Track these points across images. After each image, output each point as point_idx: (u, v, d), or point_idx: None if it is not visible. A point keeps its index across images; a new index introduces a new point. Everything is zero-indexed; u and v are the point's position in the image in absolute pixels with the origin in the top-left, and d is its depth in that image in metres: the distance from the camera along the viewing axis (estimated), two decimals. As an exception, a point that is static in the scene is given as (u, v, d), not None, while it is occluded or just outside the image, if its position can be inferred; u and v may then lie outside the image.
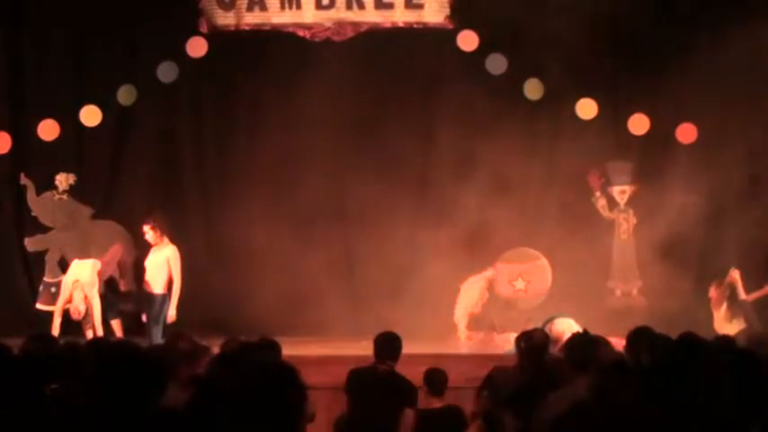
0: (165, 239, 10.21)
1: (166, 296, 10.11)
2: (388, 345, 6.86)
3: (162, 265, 10.15)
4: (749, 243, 11.51)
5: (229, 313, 10.92)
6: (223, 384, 4.31)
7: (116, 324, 10.55)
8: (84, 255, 10.72)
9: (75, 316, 10.13)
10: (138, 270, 10.64)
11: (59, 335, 9.25)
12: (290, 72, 11.80)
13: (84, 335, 9.94)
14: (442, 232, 11.74)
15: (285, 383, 3.98)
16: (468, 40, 11.70)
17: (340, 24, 11.94)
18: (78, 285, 10.15)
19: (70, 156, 11.93)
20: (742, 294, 10.32)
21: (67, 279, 10.31)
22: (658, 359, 5.09)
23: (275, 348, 6.10)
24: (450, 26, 11.85)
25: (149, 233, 10.20)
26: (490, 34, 11.66)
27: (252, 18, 11.97)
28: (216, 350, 6.05)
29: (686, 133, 11.63)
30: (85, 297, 10.11)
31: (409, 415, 6.53)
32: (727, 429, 4.35)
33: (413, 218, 11.81)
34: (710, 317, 10.43)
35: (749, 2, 11.47)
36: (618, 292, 11.32)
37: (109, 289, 10.70)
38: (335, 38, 11.95)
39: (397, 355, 6.85)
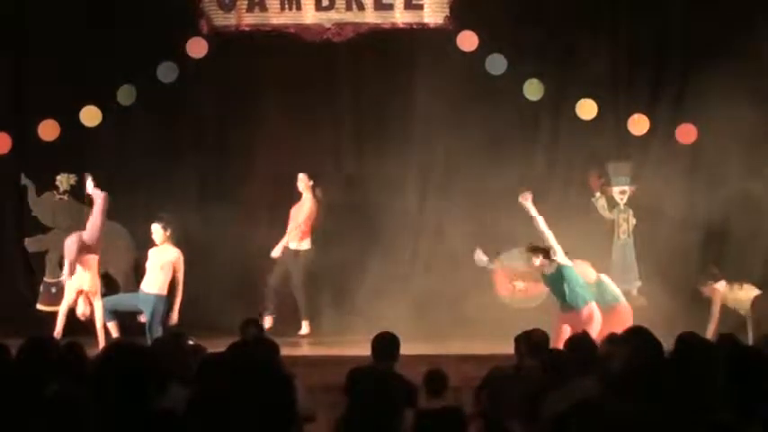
0: (170, 242, 10.20)
1: (166, 298, 10.11)
2: (387, 345, 6.86)
3: (164, 266, 10.13)
4: (749, 243, 11.51)
5: (229, 313, 10.90)
6: (221, 384, 4.31)
7: (113, 325, 10.53)
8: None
9: (83, 318, 10.15)
10: (138, 271, 10.61)
11: (63, 337, 9.23)
12: (290, 72, 11.80)
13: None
14: (442, 232, 11.75)
15: (281, 383, 3.98)
16: (468, 40, 11.70)
17: (340, 25, 11.94)
18: (83, 294, 10.11)
19: (70, 156, 11.92)
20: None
21: (71, 285, 10.21)
22: (657, 360, 5.08)
23: (273, 349, 6.10)
24: (450, 26, 11.85)
25: (158, 232, 10.19)
26: (490, 34, 11.66)
27: (252, 19, 11.98)
28: (212, 350, 6.04)
29: (686, 133, 11.62)
30: (90, 303, 10.10)
31: (409, 415, 6.53)
32: (727, 429, 4.35)
33: (413, 217, 11.82)
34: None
35: (749, 2, 11.48)
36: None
37: (107, 289, 10.68)
38: (335, 38, 11.95)
39: (396, 356, 6.85)
